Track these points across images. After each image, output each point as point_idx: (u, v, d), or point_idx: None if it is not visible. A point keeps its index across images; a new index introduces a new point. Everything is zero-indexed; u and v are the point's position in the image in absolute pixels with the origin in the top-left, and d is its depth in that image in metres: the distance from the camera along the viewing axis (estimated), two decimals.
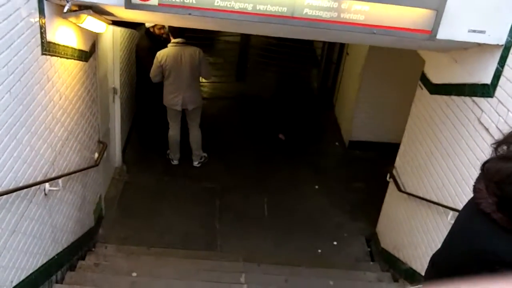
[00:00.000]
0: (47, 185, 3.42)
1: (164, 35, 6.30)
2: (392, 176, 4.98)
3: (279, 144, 7.15)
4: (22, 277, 3.16)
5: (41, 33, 3.07)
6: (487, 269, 1.52)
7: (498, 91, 3.11)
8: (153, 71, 5.85)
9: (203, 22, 3.66)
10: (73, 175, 4.06)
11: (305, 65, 9.02)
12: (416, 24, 3.03)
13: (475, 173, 3.25)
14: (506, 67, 3.06)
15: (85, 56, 4.11)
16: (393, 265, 4.94)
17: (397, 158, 5.05)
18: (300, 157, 6.98)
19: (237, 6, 2.99)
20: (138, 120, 7.10)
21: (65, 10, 3.19)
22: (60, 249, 3.95)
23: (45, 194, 3.45)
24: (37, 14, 2.99)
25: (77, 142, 4.15)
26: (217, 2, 2.98)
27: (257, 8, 3.00)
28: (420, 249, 4.27)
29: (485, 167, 1.59)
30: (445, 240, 1.91)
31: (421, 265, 4.20)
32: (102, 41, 4.92)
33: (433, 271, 1.94)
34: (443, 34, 3.06)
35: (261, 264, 4.88)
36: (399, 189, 4.74)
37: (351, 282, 4.78)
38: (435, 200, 3.98)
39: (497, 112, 3.10)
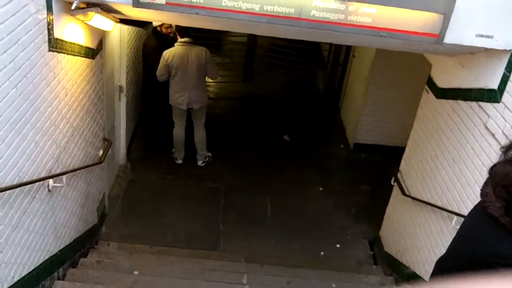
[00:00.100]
0: (50, 181, 3.43)
1: (171, 34, 6.30)
2: (397, 180, 4.96)
3: (284, 145, 7.14)
4: (24, 273, 3.17)
5: (49, 30, 3.08)
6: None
7: (505, 97, 3.09)
8: (160, 70, 5.87)
9: (210, 22, 3.66)
10: (77, 172, 4.06)
11: (312, 66, 9.00)
12: (423, 28, 3.02)
13: (481, 178, 3.23)
14: None
15: (92, 53, 4.12)
16: (396, 269, 4.91)
17: (402, 162, 5.03)
18: (305, 159, 6.97)
19: (244, 6, 2.99)
20: (143, 119, 7.11)
21: (73, 7, 3.22)
22: (62, 246, 3.96)
23: (49, 191, 3.46)
24: (45, 11, 3.00)
25: (82, 139, 4.16)
26: (225, 2, 2.98)
27: (264, 8, 2.99)
28: (423, 253, 4.24)
29: (493, 170, 1.57)
30: (450, 244, 1.90)
31: (424, 270, 4.18)
32: (109, 39, 4.93)
33: (439, 275, 1.92)
34: (450, 38, 3.05)
35: (263, 265, 4.87)
36: (404, 193, 4.72)
37: (354, 285, 4.76)
38: (440, 204, 3.96)
39: (503, 118, 3.08)
